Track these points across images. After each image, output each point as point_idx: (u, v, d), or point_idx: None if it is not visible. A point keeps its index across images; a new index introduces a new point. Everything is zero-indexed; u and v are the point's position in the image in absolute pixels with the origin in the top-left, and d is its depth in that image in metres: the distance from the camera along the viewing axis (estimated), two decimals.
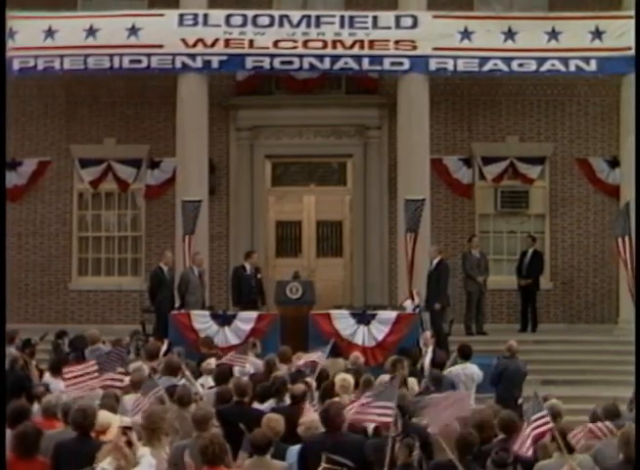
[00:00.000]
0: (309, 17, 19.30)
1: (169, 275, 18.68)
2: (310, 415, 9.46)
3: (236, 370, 12.88)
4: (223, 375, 11.87)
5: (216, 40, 19.20)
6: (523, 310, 20.83)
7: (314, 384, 11.64)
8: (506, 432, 8.90)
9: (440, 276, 18.50)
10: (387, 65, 19.27)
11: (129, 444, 7.69)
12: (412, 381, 12.57)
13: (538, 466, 8.49)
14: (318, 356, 13.57)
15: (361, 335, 16.82)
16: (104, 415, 8.91)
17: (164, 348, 15.40)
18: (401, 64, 19.25)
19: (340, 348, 15.79)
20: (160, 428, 8.46)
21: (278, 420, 9.03)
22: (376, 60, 19.24)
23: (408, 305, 17.70)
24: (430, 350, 15.26)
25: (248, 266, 18.98)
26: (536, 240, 21.26)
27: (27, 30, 19.25)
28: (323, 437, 8.78)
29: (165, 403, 10.17)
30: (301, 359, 13.36)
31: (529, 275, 20.74)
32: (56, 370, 12.70)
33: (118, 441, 7.54)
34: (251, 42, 19.21)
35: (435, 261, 18.66)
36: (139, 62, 19.26)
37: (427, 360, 14.79)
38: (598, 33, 19.13)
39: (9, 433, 8.20)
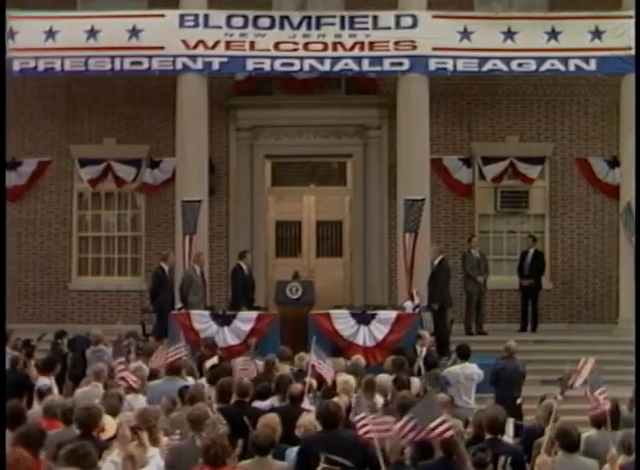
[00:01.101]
0: (309, 18, 19.31)
1: (170, 275, 18.70)
2: (308, 417, 9.45)
3: (238, 371, 12.87)
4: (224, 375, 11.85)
5: (217, 42, 19.21)
6: (523, 310, 20.82)
7: (315, 384, 11.64)
8: (492, 432, 8.90)
9: (440, 276, 18.49)
10: (386, 65, 19.26)
11: (139, 444, 7.78)
12: (415, 381, 12.59)
13: (539, 462, 8.50)
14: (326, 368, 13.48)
15: (362, 335, 16.82)
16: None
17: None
18: (401, 64, 19.24)
19: (340, 348, 15.77)
20: (154, 426, 8.50)
21: (274, 419, 9.05)
22: (376, 60, 19.23)
23: (408, 305, 17.71)
24: (424, 350, 15.28)
25: (244, 266, 19.00)
26: (537, 240, 21.28)
27: (28, 31, 19.24)
28: (321, 436, 8.78)
29: (177, 404, 10.20)
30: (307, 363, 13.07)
31: (532, 275, 20.74)
32: (45, 369, 12.72)
33: (125, 433, 7.64)
34: (251, 44, 19.23)
35: (436, 262, 18.65)
36: (140, 63, 19.27)
37: (422, 361, 14.83)
38: (598, 33, 19.13)
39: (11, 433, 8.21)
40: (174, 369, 12.17)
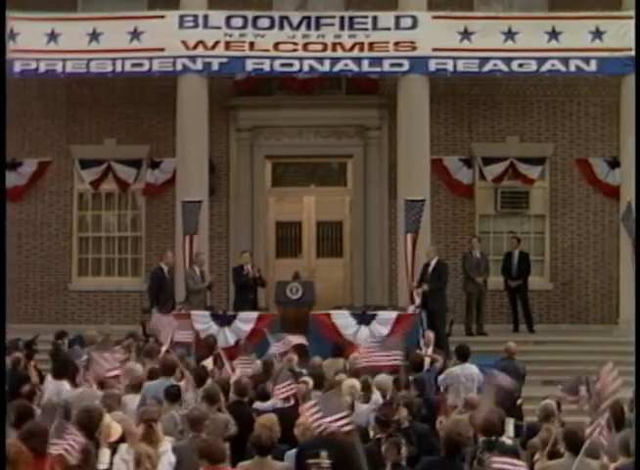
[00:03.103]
0: (309, 18, 19.32)
1: (170, 275, 18.70)
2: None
3: (238, 372, 12.86)
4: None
5: (217, 43, 19.22)
6: (514, 311, 20.75)
7: (311, 383, 11.65)
8: (486, 434, 8.89)
9: (441, 277, 18.47)
10: (386, 66, 19.27)
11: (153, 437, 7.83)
12: None
13: (546, 465, 8.49)
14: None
15: (363, 335, 16.81)
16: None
17: (164, 348, 15.39)
18: (401, 65, 19.25)
19: (341, 348, 15.75)
20: (155, 422, 8.51)
21: (271, 420, 9.06)
22: (375, 61, 19.24)
23: (411, 308, 17.72)
24: (430, 350, 15.28)
25: (244, 266, 18.99)
26: (521, 241, 21.22)
27: (30, 33, 19.27)
28: (318, 438, 8.77)
29: (162, 404, 10.18)
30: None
31: (520, 276, 20.69)
32: (59, 374, 12.67)
33: (133, 430, 7.67)
34: (251, 44, 19.23)
35: (434, 262, 18.61)
36: (140, 65, 19.29)
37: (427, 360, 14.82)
38: (598, 33, 19.14)
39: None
40: (168, 369, 12.06)
